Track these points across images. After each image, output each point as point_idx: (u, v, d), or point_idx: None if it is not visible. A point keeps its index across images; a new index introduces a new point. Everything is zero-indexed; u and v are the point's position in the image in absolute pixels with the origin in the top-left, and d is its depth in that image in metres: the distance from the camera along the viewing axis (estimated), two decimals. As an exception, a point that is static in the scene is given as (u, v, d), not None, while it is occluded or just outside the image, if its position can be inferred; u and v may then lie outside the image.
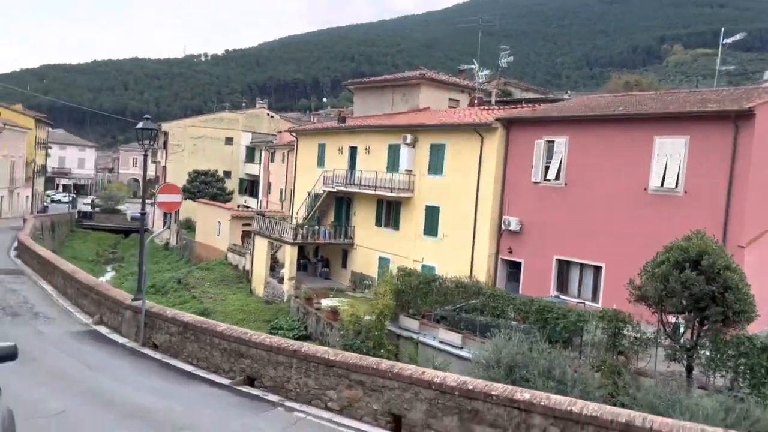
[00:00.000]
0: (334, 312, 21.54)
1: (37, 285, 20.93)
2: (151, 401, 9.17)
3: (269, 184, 48.81)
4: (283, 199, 43.60)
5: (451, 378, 7.78)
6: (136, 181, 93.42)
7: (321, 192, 30.30)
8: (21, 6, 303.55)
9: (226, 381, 10.34)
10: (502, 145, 21.84)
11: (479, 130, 22.31)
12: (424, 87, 30.47)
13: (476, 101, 28.61)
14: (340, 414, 8.72)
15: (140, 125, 13.46)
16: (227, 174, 53.41)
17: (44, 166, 73.51)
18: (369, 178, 27.09)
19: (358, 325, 18.51)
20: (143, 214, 14.96)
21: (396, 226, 26.51)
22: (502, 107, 25.75)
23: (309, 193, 31.70)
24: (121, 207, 66.60)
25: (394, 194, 25.73)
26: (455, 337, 17.12)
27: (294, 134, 36.03)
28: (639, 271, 13.03)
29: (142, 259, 13.71)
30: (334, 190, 29.17)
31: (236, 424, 8.28)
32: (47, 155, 76.52)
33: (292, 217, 32.49)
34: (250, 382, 10.12)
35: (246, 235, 35.51)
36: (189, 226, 46.04)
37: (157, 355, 12.13)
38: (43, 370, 10.47)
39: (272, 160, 48.19)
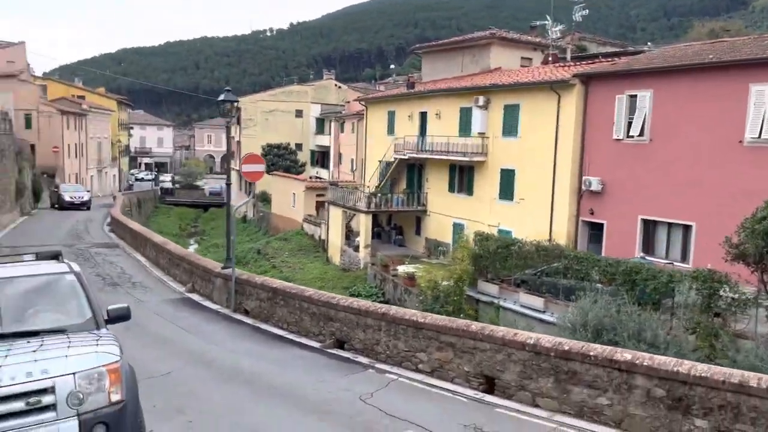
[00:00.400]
0: (411, 278, 21.66)
1: (131, 257, 22.18)
2: (247, 363, 9.56)
3: (340, 155, 49.27)
4: (354, 168, 43.94)
5: (546, 339, 7.65)
6: (212, 157, 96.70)
7: (392, 160, 30.28)
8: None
9: (316, 344, 10.61)
10: (581, 103, 21.00)
11: (556, 87, 21.51)
12: (494, 47, 29.56)
13: (551, 58, 27.52)
14: (431, 375, 8.78)
15: (222, 97, 13.79)
16: (298, 146, 54.23)
17: (127, 146, 77.31)
18: (440, 143, 26.78)
19: (437, 290, 18.54)
20: (228, 184, 15.42)
21: (470, 191, 26.19)
22: (578, 63, 24.65)
23: (380, 161, 31.76)
24: (199, 183, 69.19)
25: (466, 159, 25.36)
26: (537, 301, 16.87)
27: (363, 103, 36.06)
28: (735, 228, 12.32)
29: (230, 228, 14.18)
30: (406, 157, 29.06)
31: (331, 385, 8.51)
32: (129, 135, 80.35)
33: (364, 186, 32.72)
34: (340, 345, 10.34)
35: (320, 206, 36.14)
36: (264, 198, 47.33)
37: (249, 320, 12.61)
38: (147, 335, 11.12)
39: (342, 131, 48.52)
